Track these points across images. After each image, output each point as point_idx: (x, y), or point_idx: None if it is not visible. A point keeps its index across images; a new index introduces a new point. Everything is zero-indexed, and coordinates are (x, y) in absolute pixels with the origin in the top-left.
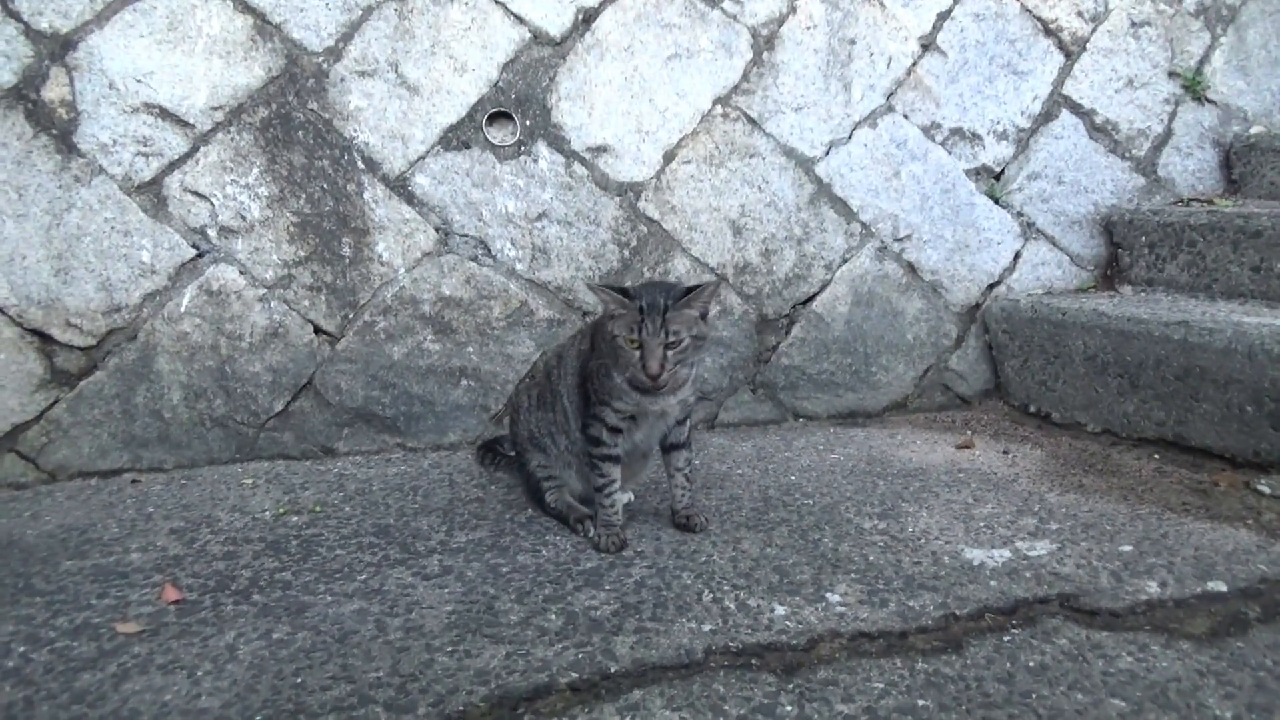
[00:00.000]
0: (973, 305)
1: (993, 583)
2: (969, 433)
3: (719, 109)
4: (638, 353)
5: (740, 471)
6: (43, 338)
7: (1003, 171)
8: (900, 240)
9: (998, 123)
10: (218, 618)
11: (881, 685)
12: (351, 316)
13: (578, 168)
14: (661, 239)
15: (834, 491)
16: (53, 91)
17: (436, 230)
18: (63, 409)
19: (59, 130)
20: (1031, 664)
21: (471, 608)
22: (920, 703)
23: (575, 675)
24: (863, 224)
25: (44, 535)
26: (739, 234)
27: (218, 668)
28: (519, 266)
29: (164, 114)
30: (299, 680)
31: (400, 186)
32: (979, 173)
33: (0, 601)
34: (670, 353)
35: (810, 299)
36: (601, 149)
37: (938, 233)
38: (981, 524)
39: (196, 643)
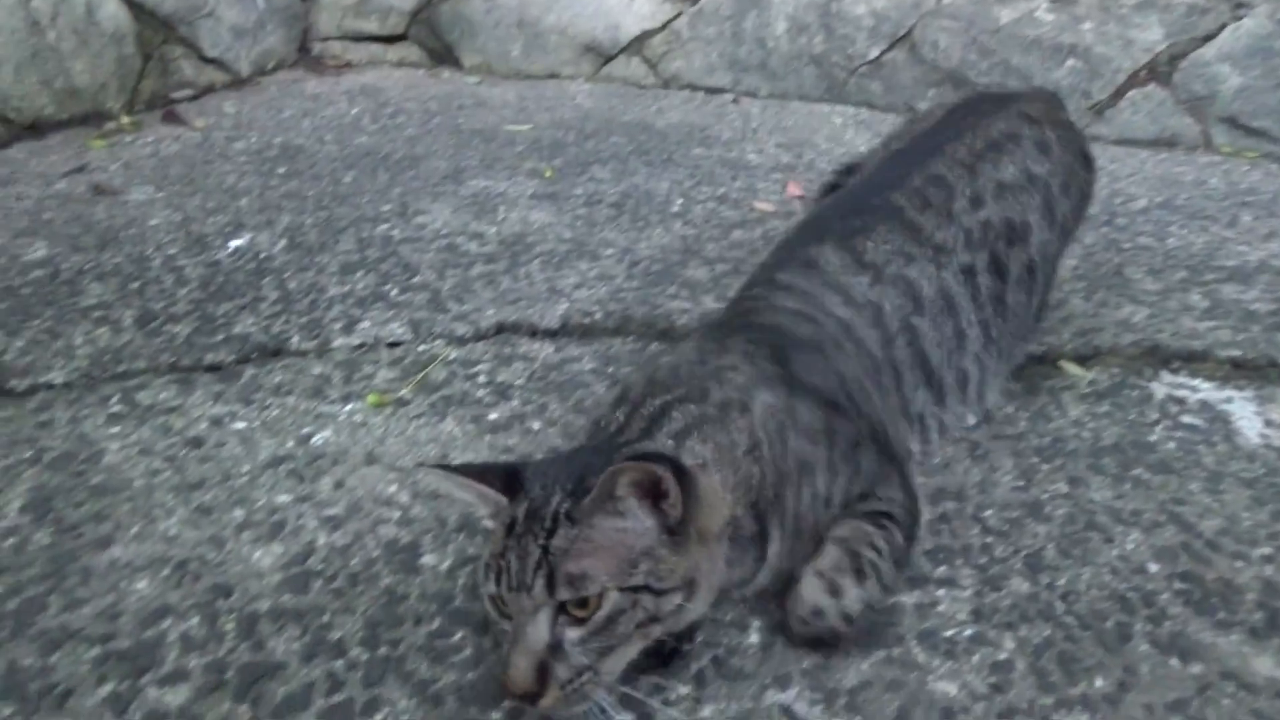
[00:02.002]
0: None
1: None
2: None
3: None
4: (507, 626)
5: None
6: None
7: None
8: None
9: None
10: None
11: None
12: None
13: None
14: None
15: None
16: None
17: None
18: (683, 22)
19: None
20: None
21: (1097, 268)
22: None
23: (1236, 353)
24: None
25: (671, 126)
26: None
27: None
28: None
29: None
30: None
31: None
32: None
33: (652, 164)
34: (571, 636)
35: None
36: None
37: None
38: None
39: None
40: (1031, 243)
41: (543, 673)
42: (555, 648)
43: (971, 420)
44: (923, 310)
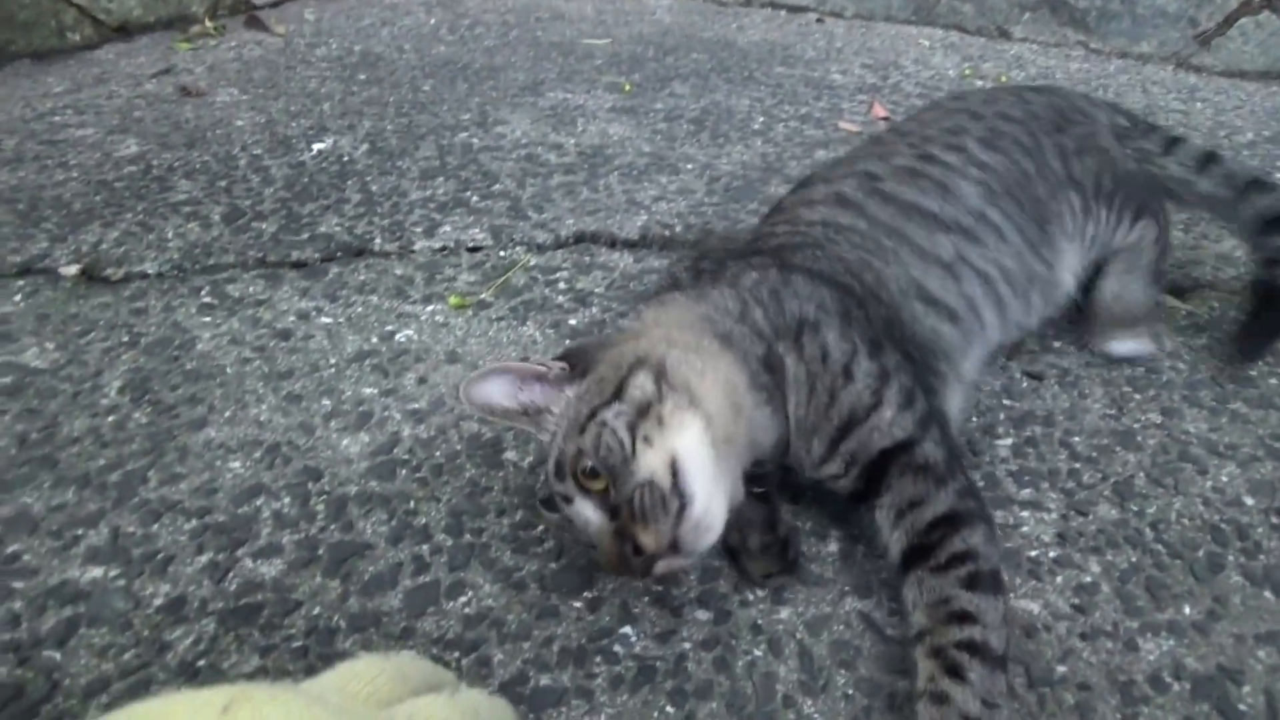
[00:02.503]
0: None
1: None
2: None
3: None
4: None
5: None
6: None
7: None
8: None
9: None
10: None
11: None
12: None
13: None
14: None
15: None
16: None
17: None
18: None
19: None
20: None
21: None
22: None
23: None
24: None
25: (752, 44)
26: None
27: None
28: None
29: None
30: None
31: None
32: None
33: (733, 82)
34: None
35: None
36: None
37: None
38: None
39: None
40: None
41: (623, 535)
42: (614, 513)
43: (1011, 265)
44: (888, 174)
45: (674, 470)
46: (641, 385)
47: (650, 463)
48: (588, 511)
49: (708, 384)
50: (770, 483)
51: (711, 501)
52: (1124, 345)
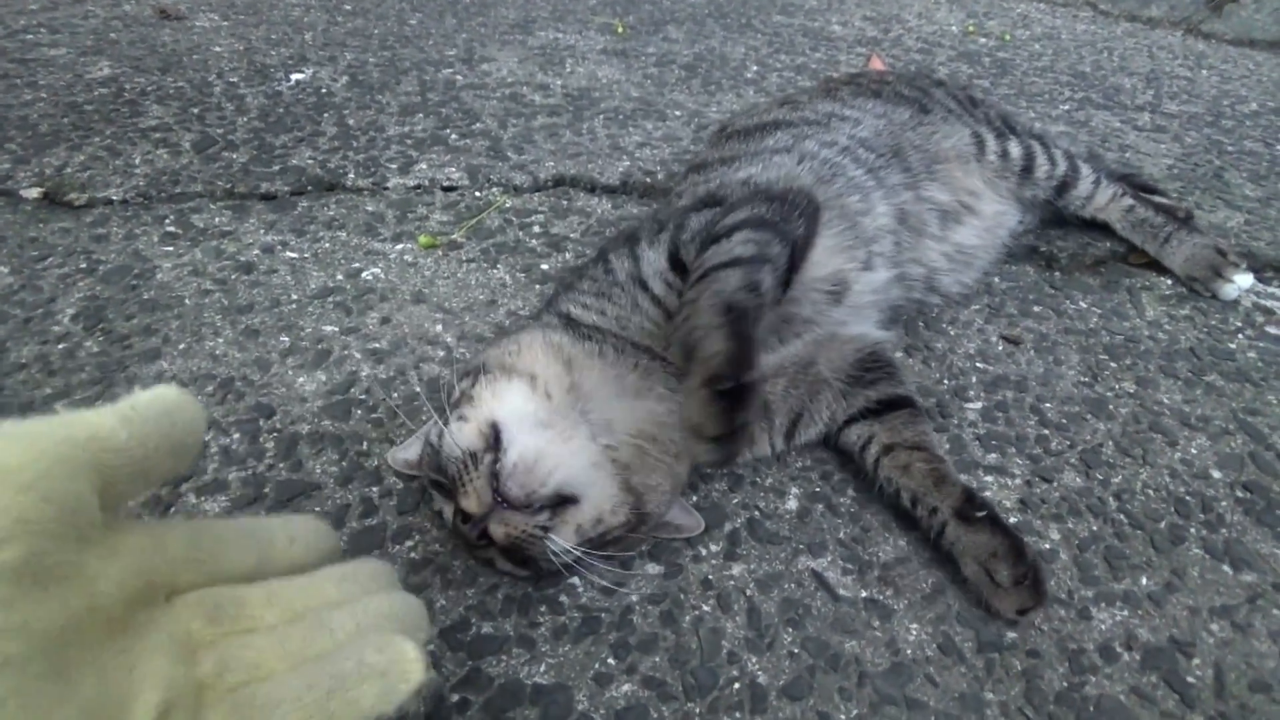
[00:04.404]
0: None
1: None
2: None
3: None
4: None
5: None
6: None
7: None
8: None
9: None
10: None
11: None
12: None
13: None
14: None
15: None
16: None
17: None
18: None
19: None
20: None
21: (1195, 169)
22: None
23: None
24: None
25: None
26: None
27: None
28: None
29: None
30: None
31: None
32: None
33: (730, 28)
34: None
35: None
36: None
37: None
38: None
39: None
40: None
41: (459, 513)
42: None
43: None
44: None
45: (494, 430)
46: (460, 387)
47: (466, 436)
48: (446, 510)
49: (526, 356)
50: (989, 505)
51: (538, 440)
52: None
